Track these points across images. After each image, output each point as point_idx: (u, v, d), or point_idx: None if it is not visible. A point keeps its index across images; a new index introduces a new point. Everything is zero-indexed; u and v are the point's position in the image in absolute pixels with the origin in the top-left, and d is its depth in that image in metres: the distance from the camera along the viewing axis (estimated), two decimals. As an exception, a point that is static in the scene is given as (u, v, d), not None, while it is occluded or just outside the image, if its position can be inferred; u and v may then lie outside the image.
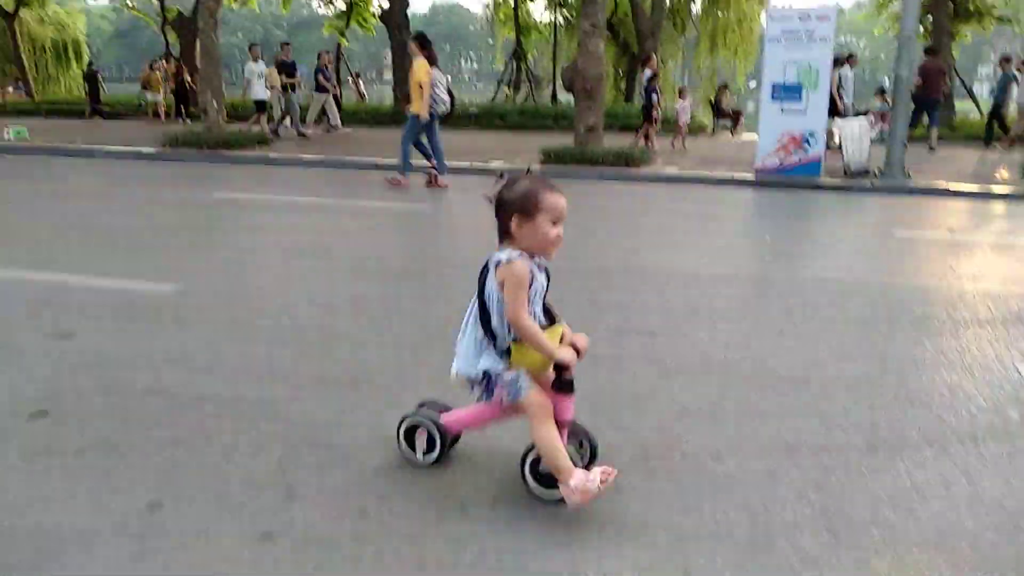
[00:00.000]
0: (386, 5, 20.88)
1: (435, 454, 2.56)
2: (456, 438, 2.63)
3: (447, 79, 9.90)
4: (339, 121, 17.44)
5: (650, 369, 3.53)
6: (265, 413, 2.98)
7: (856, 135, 11.15)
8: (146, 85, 20.89)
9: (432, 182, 9.85)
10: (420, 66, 9.34)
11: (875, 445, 2.81)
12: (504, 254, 2.26)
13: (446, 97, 9.58)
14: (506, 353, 2.31)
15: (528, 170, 2.36)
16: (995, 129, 15.57)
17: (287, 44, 17.28)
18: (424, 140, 9.78)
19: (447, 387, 2.56)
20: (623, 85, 25.29)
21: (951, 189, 10.21)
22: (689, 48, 28.02)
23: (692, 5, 25.76)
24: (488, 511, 2.34)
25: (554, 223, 2.24)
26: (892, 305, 4.76)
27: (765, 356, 3.75)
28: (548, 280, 2.37)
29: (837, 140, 11.68)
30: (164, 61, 21.25)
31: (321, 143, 14.73)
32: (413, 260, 6.21)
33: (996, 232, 7.98)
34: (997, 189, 10.22)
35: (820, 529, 2.26)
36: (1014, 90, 14.99)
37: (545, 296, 2.37)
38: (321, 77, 16.64)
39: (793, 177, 10.75)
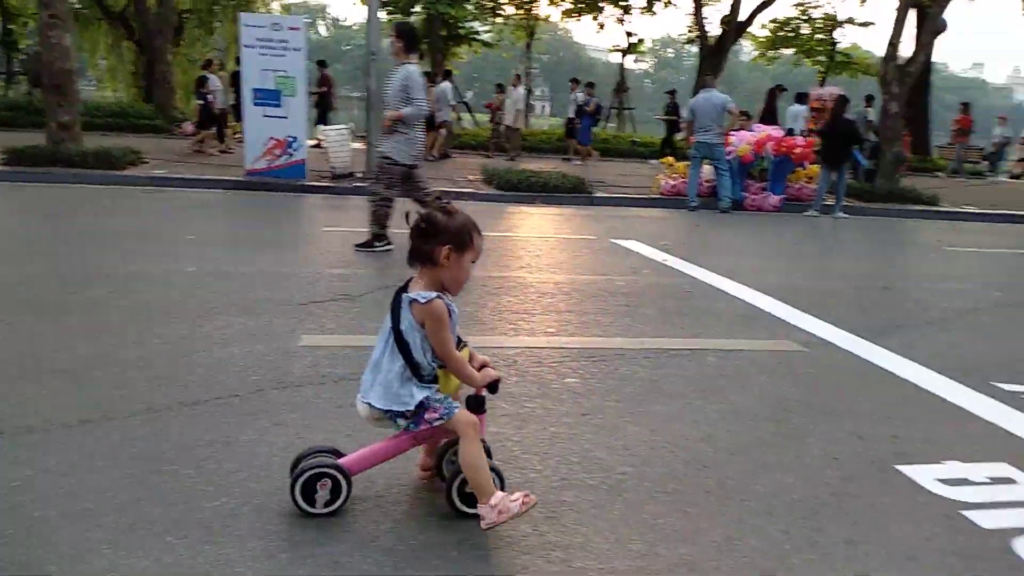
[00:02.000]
0: None
1: (340, 502, 2.43)
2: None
3: None
4: None
5: None
6: None
7: (337, 141, 12.15)
8: None
9: None
10: None
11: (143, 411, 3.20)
12: (419, 295, 2.32)
13: None
14: (434, 380, 2.40)
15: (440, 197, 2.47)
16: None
17: None
18: None
19: None
20: (142, 83, 23.74)
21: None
22: (221, 51, 27.52)
23: (216, 8, 25.27)
24: None
25: (472, 263, 2.39)
26: (256, 289, 5.32)
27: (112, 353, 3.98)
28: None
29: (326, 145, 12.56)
30: None
31: None
32: None
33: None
34: (460, 189, 11.98)
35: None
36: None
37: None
38: None
39: (280, 179, 11.29)
